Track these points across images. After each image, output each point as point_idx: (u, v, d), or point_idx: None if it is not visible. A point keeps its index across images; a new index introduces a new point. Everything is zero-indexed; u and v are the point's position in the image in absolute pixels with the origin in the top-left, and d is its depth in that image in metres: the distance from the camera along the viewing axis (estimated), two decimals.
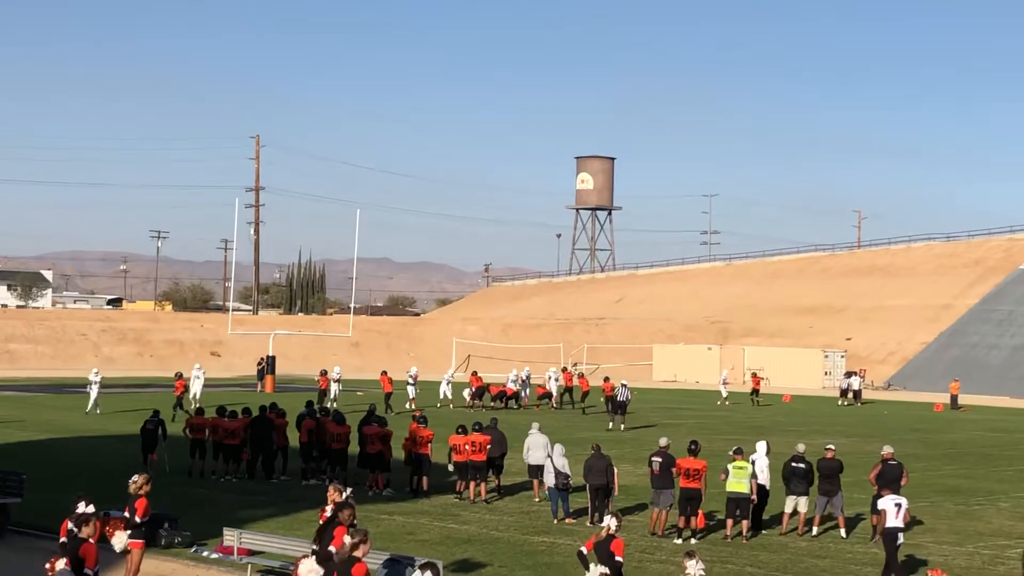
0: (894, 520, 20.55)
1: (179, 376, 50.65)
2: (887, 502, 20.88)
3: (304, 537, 20.84)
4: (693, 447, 24.91)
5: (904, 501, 20.98)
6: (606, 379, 54.00)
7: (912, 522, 26.40)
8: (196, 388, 53.30)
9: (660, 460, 24.91)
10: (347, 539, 14.10)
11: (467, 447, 28.53)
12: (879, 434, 47.59)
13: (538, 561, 21.67)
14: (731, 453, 24.97)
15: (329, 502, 17.48)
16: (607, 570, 15.27)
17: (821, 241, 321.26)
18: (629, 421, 50.54)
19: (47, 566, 14.74)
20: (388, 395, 53.62)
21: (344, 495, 17.65)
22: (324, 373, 57.67)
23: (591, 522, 25.12)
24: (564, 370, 65.39)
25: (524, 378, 61.95)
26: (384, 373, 56.45)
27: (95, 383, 50.33)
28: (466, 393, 58.56)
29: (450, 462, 29.34)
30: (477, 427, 29.38)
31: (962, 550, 24.04)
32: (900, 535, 20.67)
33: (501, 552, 22.34)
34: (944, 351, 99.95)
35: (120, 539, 17.20)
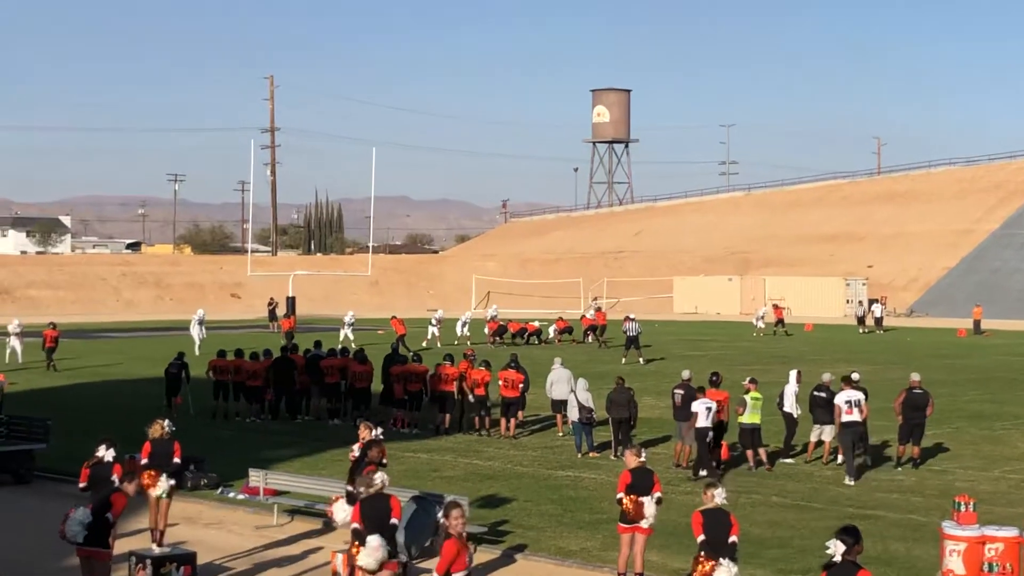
0: (704, 421, 23.17)
1: (52, 326, 45.50)
2: (699, 405, 23.37)
3: (329, 476, 20.90)
4: (715, 378, 24.81)
5: (714, 405, 23.45)
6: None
7: (937, 449, 26.39)
8: (195, 333, 52.68)
9: (682, 392, 24.83)
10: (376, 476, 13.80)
11: (500, 382, 28.58)
12: (902, 361, 47.47)
13: (563, 495, 21.69)
14: (746, 383, 24.75)
15: (360, 440, 17.26)
16: (660, 495, 15.44)
17: (840, 169, 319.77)
18: (649, 354, 50.42)
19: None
20: (402, 336, 52.27)
21: (374, 433, 17.50)
22: (287, 315, 62.73)
23: (615, 455, 25.09)
24: (598, 310, 65.48)
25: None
26: (394, 317, 56.08)
27: (14, 334, 46.56)
28: (486, 331, 58.67)
29: (470, 393, 29.26)
30: (513, 364, 29.30)
31: (987, 475, 23.97)
32: (709, 433, 23.31)
33: (526, 487, 22.35)
34: (966, 276, 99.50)
35: (163, 486, 17.07)
